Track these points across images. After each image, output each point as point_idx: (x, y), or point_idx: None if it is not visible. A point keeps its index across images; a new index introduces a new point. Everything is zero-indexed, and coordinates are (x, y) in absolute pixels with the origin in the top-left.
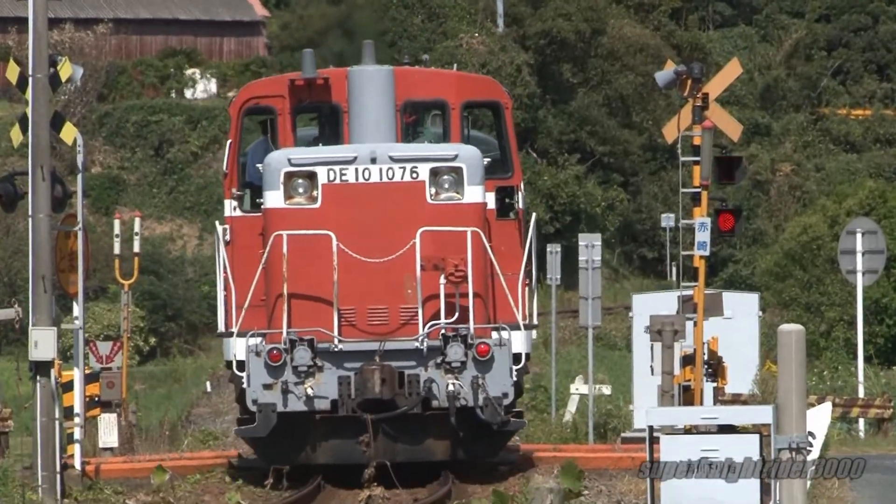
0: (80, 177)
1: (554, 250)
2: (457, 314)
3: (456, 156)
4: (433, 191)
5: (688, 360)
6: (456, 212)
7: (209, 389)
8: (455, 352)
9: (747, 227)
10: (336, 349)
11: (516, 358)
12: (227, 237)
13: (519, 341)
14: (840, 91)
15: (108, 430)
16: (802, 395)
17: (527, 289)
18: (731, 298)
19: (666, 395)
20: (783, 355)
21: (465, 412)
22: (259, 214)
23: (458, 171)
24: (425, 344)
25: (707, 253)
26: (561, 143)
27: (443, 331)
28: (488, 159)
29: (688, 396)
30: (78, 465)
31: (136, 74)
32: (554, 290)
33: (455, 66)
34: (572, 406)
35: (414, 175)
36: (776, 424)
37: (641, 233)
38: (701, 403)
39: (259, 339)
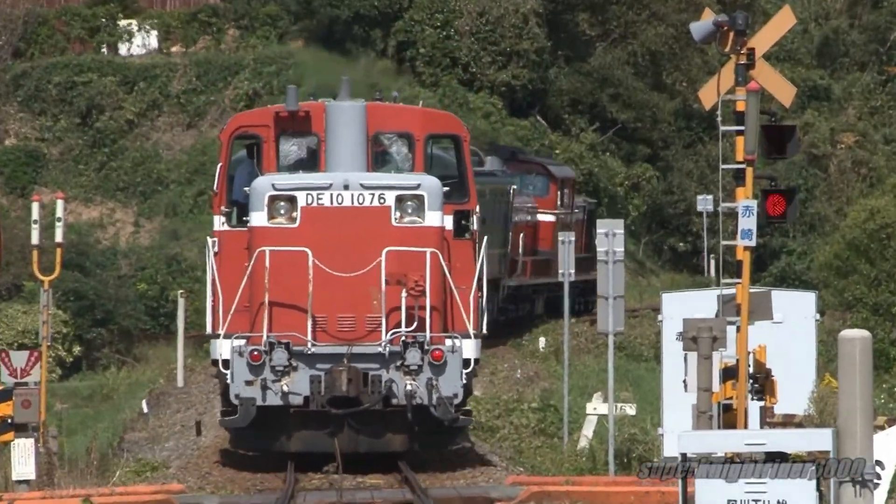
0: None
1: (567, 239)
2: (415, 323)
3: (419, 185)
4: (398, 215)
5: (729, 374)
6: (417, 234)
7: (146, 410)
8: (413, 356)
9: (802, 212)
10: (309, 352)
11: (466, 363)
12: (216, 249)
13: (469, 348)
14: None
15: (24, 459)
16: (869, 416)
17: (478, 301)
18: (782, 298)
19: (702, 416)
20: (845, 367)
21: (420, 410)
22: (244, 229)
23: (420, 198)
24: (387, 349)
25: (753, 243)
26: (575, 107)
27: (403, 338)
28: (447, 188)
29: (729, 417)
30: None
31: (60, 26)
32: (566, 287)
33: (421, 102)
34: (588, 429)
35: (381, 201)
36: (836, 451)
37: (673, 218)
38: (745, 426)
39: (242, 341)
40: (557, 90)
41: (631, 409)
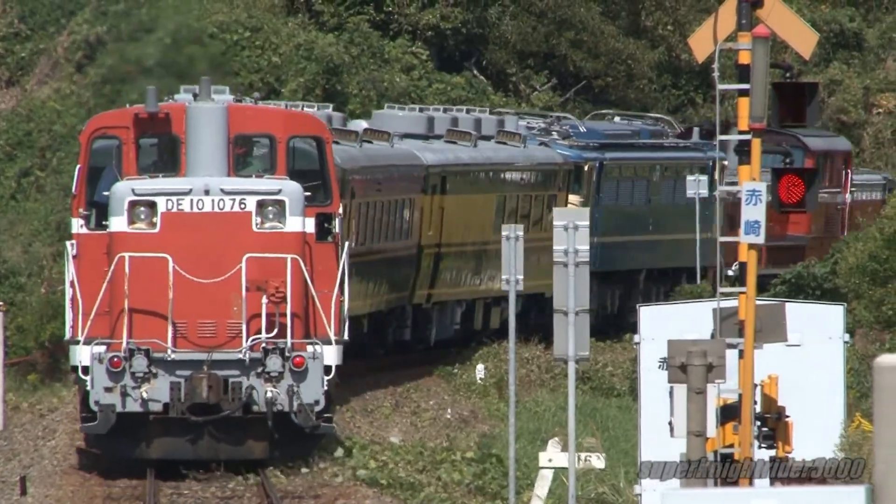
0: None
1: (513, 234)
2: (276, 330)
3: (280, 190)
4: (259, 220)
5: (729, 414)
6: (278, 239)
7: None
8: (274, 363)
9: None
10: (169, 358)
11: (328, 369)
12: (75, 252)
13: (331, 354)
14: None
15: None
16: None
17: (340, 305)
18: (799, 313)
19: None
20: (882, 404)
21: (281, 417)
22: (104, 233)
23: (281, 203)
24: (248, 356)
25: (761, 239)
26: (524, 58)
27: (263, 344)
28: (308, 192)
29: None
30: None
31: None
32: (512, 296)
33: (285, 104)
34: (542, 488)
35: (242, 206)
36: None
37: None
38: (751, 482)
39: (102, 348)
40: (501, 36)
41: (599, 461)
